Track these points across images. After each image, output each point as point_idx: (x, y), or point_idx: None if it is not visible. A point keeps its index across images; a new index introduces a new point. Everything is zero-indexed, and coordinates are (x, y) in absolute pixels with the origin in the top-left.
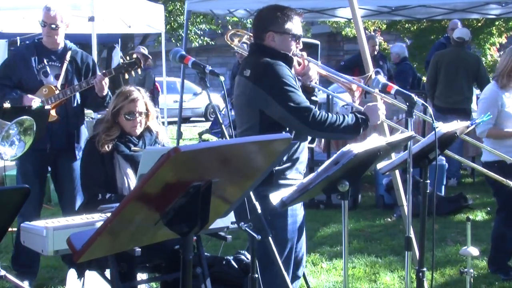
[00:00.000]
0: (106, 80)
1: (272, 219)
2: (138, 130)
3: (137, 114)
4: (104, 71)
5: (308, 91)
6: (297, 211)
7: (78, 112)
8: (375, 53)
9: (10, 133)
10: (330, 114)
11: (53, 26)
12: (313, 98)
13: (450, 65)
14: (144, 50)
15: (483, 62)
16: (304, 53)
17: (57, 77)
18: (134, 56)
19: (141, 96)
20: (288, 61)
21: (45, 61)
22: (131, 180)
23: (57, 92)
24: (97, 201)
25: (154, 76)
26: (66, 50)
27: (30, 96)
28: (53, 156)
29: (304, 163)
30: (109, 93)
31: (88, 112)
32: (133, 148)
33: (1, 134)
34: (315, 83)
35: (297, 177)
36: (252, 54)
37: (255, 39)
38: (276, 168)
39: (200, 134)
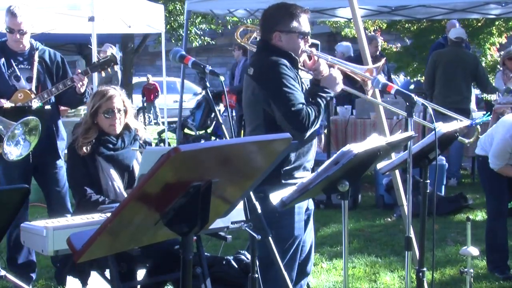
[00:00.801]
0: (86, 79)
1: (279, 217)
2: (118, 129)
3: (115, 111)
4: (81, 71)
5: (319, 84)
6: (303, 209)
7: (55, 112)
8: (377, 53)
9: (15, 133)
10: (308, 111)
11: (21, 31)
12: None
13: (448, 65)
14: (112, 49)
15: (483, 62)
16: (314, 49)
17: (29, 80)
18: (109, 53)
19: (117, 93)
20: (293, 60)
21: (14, 64)
22: (115, 181)
23: (33, 96)
24: (90, 202)
25: (121, 74)
26: (33, 50)
27: (2, 100)
28: (36, 158)
29: (312, 161)
30: (87, 89)
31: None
32: (132, 148)
33: (7, 134)
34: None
35: (304, 175)
36: (259, 52)
37: (263, 37)
38: (285, 168)
39: (160, 133)
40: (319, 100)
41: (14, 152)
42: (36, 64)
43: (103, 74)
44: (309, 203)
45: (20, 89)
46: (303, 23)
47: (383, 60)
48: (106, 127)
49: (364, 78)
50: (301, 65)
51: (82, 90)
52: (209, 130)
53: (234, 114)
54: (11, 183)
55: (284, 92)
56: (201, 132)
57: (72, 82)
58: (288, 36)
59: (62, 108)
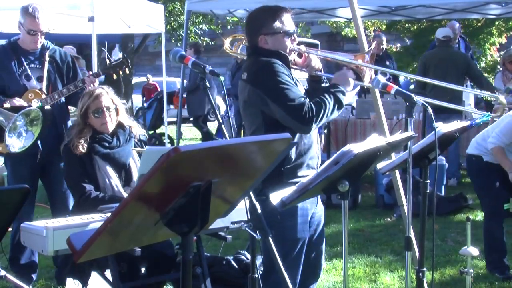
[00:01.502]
0: (96, 81)
1: (282, 218)
2: (110, 127)
3: (104, 109)
4: (92, 73)
5: (316, 79)
6: (309, 211)
7: (64, 112)
8: (381, 53)
9: (17, 125)
10: (315, 106)
11: (42, 32)
12: (323, 85)
13: (438, 65)
14: (73, 50)
15: (483, 62)
16: (302, 46)
17: (39, 79)
18: (120, 55)
19: (104, 91)
20: (283, 59)
21: (25, 63)
22: (112, 179)
23: (43, 96)
24: (88, 198)
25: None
26: (44, 50)
27: (16, 100)
28: (44, 158)
29: (316, 158)
30: None
31: None
32: (133, 148)
33: (8, 126)
34: (321, 71)
35: (310, 173)
36: (249, 56)
37: (249, 43)
38: (285, 167)
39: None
40: (326, 95)
41: (17, 144)
42: (46, 63)
43: (115, 76)
44: (318, 206)
45: (31, 89)
46: (287, 22)
47: (373, 44)
48: (98, 126)
49: (358, 66)
50: (292, 64)
51: None
52: (158, 131)
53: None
54: (19, 182)
55: (282, 89)
56: (151, 133)
57: (83, 84)
58: (273, 37)
59: None
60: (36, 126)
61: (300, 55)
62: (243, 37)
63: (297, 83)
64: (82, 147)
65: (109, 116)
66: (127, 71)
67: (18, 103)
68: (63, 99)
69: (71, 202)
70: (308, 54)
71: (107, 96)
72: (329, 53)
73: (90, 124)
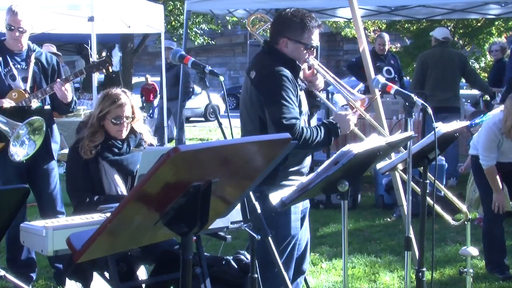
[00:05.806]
0: (67, 86)
1: (276, 216)
2: (124, 134)
3: (124, 119)
4: (60, 79)
5: (312, 96)
6: (299, 208)
7: (50, 115)
8: (385, 52)
9: (20, 133)
10: (305, 130)
11: (21, 29)
12: (317, 103)
13: (437, 65)
14: (53, 48)
15: (483, 62)
16: (316, 62)
17: (24, 80)
18: (103, 54)
19: (128, 100)
20: (296, 69)
21: (10, 63)
22: (119, 186)
23: (27, 95)
24: (85, 205)
25: (121, 73)
26: (30, 51)
27: (7, 100)
28: (31, 159)
29: (308, 166)
30: (74, 98)
31: None
32: (132, 148)
33: (12, 135)
34: (319, 92)
35: (300, 179)
36: (263, 53)
37: (270, 38)
38: (281, 171)
39: None
40: (323, 128)
41: (21, 152)
42: (32, 64)
43: (97, 74)
44: (304, 202)
45: (15, 89)
46: (314, 37)
47: (377, 96)
48: (113, 132)
49: (352, 104)
50: None
51: (68, 99)
52: None
53: None
54: (7, 183)
55: (281, 103)
56: None
57: (52, 90)
58: (295, 45)
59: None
60: (38, 135)
61: (309, 67)
62: (268, 21)
63: (301, 102)
64: (91, 152)
65: (126, 125)
66: (110, 70)
67: (7, 104)
68: (49, 101)
69: (58, 203)
70: (317, 72)
71: (129, 105)
72: (336, 79)
73: (104, 127)
